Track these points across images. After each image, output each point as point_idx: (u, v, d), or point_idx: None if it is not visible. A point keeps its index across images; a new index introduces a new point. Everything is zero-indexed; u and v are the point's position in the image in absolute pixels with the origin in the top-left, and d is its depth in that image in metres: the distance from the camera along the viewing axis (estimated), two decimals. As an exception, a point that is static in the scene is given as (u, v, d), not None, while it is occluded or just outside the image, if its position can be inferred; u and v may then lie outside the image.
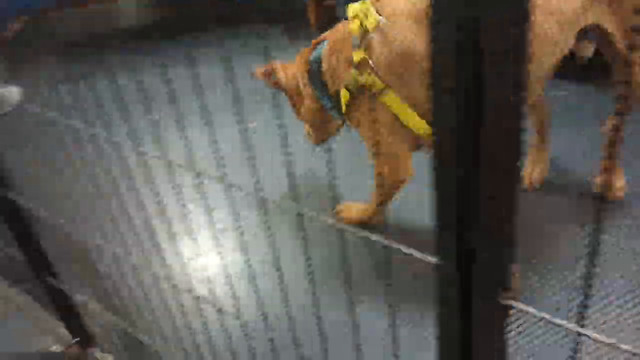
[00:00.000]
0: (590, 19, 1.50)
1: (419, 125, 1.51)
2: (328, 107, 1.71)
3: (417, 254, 0.55)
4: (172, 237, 1.01)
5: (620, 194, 1.72)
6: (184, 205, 0.85)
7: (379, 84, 1.48)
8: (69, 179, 0.99)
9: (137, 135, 0.77)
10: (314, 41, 1.70)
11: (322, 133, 1.93)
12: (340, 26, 1.62)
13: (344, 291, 1.40)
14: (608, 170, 1.57)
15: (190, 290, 0.92)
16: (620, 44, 1.54)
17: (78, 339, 1.44)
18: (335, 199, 1.90)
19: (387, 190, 1.64)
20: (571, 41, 1.50)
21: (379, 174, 1.67)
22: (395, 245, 0.57)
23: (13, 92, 2.38)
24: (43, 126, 0.98)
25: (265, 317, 0.82)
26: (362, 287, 1.49)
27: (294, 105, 1.86)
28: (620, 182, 1.73)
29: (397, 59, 1.46)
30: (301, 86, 1.77)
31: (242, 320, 0.85)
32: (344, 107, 1.60)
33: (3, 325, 1.62)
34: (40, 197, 1.11)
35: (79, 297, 1.32)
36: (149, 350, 1.18)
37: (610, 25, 1.52)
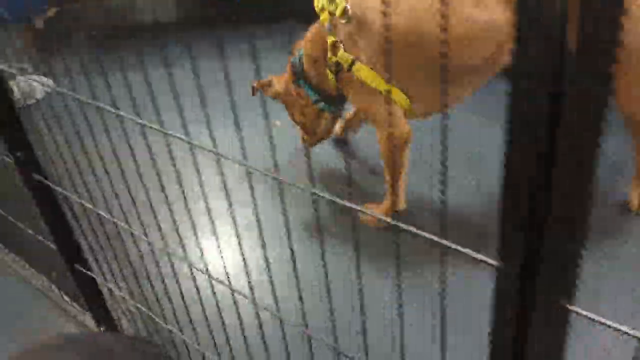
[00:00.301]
0: None
1: (395, 94, 1.66)
2: (315, 100, 1.87)
3: (474, 254, 0.54)
4: (204, 229, 1.01)
5: None
6: (206, 200, 0.85)
7: (346, 57, 1.64)
8: (100, 165, 0.99)
9: (167, 125, 0.77)
10: (293, 46, 1.88)
11: (315, 133, 2.04)
12: (314, 25, 1.79)
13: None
14: None
15: (221, 281, 0.92)
16: None
17: (104, 327, 1.44)
18: (363, 197, 1.89)
19: (394, 157, 1.73)
20: None
21: (380, 140, 1.79)
22: (450, 244, 0.56)
23: (43, 82, 2.42)
24: (73, 115, 0.98)
25: (303, 314, 0.82)
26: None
27: (290, 112, 2.03)
28: None
29: (355, 30, 1.62)
30: (291, 90, 1.92)
31: (272, 313, 0.84)
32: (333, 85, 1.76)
33: (28, 312, 1.63)
34: (73, 184, 1.12)
35: (106, 285, 1.32)
36: (175, 339, 1.18)
37: None
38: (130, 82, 0.79)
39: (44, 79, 2.50)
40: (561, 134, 0.42)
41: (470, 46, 1.55)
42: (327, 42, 1.66)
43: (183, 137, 0.76)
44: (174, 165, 0.83)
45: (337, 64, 1.67)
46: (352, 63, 1.63)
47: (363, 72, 1.63)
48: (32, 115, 1.40)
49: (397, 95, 1.67)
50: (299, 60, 1.84)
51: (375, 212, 1.82)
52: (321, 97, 1.86)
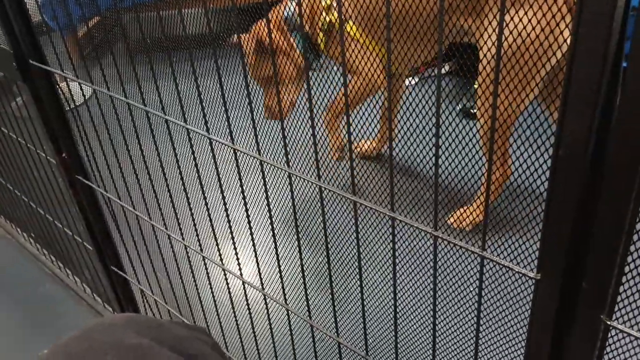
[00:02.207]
0: None
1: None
2: (303, 50, 1.84)
3: (515, 267, 0.54)
4: (242, 235, 1.03)
5: None
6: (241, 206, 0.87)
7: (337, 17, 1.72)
8: (138, 168, 1.02)
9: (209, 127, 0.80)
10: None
11: (292, 93, 2.00)
12: None
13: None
14: None
15: (255, 286, 0.93)
16: None
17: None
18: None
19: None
20: None
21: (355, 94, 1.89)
22: (491, 257, 0.56)
23: (84, 87, 2.48)
24: (110, 120, 1.02)
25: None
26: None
27: (263, 67, 1.95)
28: None
29: None
30: (281, 41, 1.93)
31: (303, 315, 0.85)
32: (322, 46, 1.86)
33: (60, 312, 1.67)
34: (114, 186, 1.15)
35: (140, 287, 1.35)
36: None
37: None
38: (179, 90, 0.82)
39: (83, 86, 2.58)
40: (611, 140, 0.43)
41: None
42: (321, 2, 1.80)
43: (228, 142, 0.79)
44: (217, 170, 0.86)
45: (330, 22, 1.81)
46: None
47: (353, 30, 1.75)
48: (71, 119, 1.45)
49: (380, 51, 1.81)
50: (293, 14, 1.89)
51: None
52: (311, 49, 1.94)
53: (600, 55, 0.40)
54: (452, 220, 1.85)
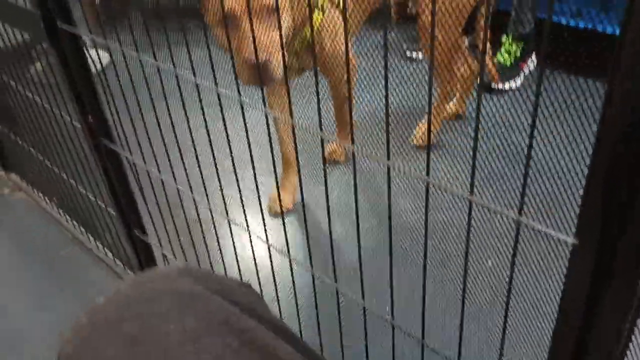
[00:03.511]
0: None
1: None
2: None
3: (552, 232, 0.54)
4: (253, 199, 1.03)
5: None
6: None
7: None
8: (166, 133, 1.02)
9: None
10: None
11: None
12: None
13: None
14: None
15: (282, 252, 0.94)
16: None
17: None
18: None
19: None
20: None
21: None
22: (528, 222, 0.57)
23: (100, 55, 2.49)
24: (129, 85, 1.03)
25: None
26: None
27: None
28: None
29: None
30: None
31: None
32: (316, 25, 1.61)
33: (82, 276, 1.70)
34: (140, 151, 1.16)
35: (162, 252, 1.37)
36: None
37: None
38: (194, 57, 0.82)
39: (101, 52, 2.59)
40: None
41: None
42: None
43: (261, 106, 0.79)
44: (247, 136, 0.86)
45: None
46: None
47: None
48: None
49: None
50: None
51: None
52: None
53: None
54: (415, 140, 2.10)
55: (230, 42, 1.26)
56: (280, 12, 1.35)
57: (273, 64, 1.36)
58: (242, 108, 0.83)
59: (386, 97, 0.63)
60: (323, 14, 1.60)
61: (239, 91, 0.81)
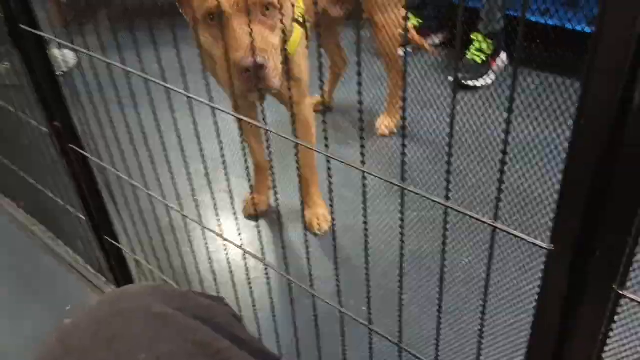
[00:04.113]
0: None
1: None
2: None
3: (527, 237, 0.54)
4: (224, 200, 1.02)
5: None
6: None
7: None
8: (134, 136, 1.00)
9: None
10: None
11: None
12: None
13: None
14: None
15: (255, 255, 0.93)
16: None
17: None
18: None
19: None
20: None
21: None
22: (503, 228, 0.56)
23: (68, 56, 2.42)
24: (94, 88, 1.01)
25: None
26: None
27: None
28: None
29: None
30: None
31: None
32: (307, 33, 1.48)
33: (53, 283, 1.66)
34: (110, 155, 1.13)
35: (134, 257, 1.34)
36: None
37: None
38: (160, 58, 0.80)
39: (68, 53, 2.53)
40: (632, 119, 0.43)
41: None
42: None
43: (229, 111, 0.77)
44: (220, 141, 0.84)
45: None
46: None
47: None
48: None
49: None
50: None
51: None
52: None
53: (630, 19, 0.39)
54: (380, 130, 2.13)
55: (217, 44, 1.21)
56: (279, 9, 1.21)
57: (270, 66, 1.18)
58: (213, 114, 0.81)
59: (359, 99, 0.63)
60: (306, 30, 1.48)
61: (210, 97, 0.79)
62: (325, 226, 1.69)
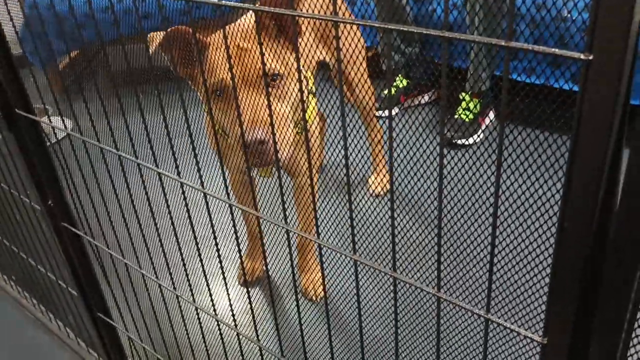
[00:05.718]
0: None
1: None
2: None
3: (521, 331, 0.54)
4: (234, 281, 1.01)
5: None
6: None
7: None
8: (123, 210, 1.00)
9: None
10: None
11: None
12: None
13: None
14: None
15: (250, 338, 0.92)
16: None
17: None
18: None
19: None
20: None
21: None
22: (496, 319, 0.56)
23: (61, 124, 2.46)
24: (91, 157, 1.02)
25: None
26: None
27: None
28: None
29: None
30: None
31: None
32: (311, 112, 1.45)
33: (45, 357, 1.62)
34: (102, 233, 1.13)
35: (127, 334, 1.32)
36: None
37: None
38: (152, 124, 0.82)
39: (62, 120, 2.55)
40: (618, 207, 0.43)
41: None
42: None
43: (224, 198, 0.78)
44: (212, 225, 0.84)
45: None
46: None
47: None
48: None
49: None
50: None
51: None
52: None
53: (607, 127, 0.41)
54: (372, 189, 2.13)
55: (226, 119, 1.18)
56: (286, 80, 1.21)
57: (270, 142, 1.12)
58: (205, 199, 0.82)
59: (345, 153, 0.64)
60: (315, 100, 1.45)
61: (201, 181, 0.80)
62: (322, 292, 1.65)
